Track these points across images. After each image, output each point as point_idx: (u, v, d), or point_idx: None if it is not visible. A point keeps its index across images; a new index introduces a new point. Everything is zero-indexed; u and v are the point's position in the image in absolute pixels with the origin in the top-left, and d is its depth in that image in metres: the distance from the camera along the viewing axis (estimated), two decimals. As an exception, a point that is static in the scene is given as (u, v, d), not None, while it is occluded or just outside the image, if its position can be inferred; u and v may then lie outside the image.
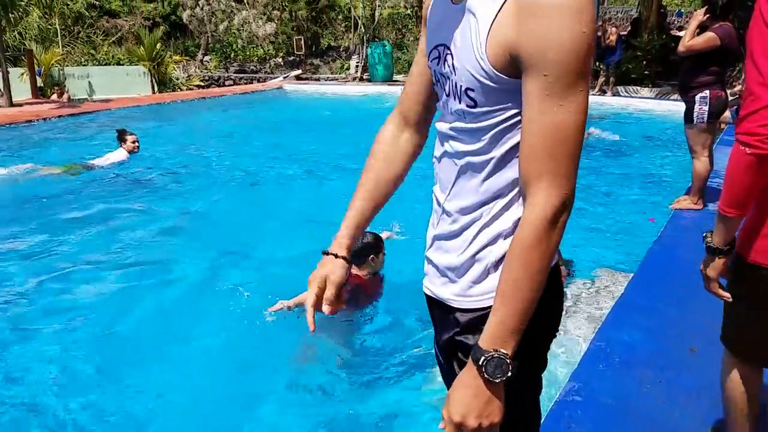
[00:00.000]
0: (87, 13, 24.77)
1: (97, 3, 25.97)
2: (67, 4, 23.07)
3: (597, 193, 6.49)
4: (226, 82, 19.19)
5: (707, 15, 4.87)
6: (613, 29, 13.36)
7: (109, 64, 19.73)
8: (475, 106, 1.08)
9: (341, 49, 24.77)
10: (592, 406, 2.47)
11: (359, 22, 20.49)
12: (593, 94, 13.64)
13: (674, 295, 3.57)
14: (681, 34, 18.20)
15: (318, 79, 19.23)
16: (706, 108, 4.87)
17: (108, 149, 7.76)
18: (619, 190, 6.75)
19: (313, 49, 24.51)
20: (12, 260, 4.64)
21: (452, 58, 1.10)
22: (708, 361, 2.46)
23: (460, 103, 1.10)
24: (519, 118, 1.06)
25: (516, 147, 1.07)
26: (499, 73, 1.03)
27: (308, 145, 9.24)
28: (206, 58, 22.64)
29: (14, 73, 13.77)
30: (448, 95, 1.14)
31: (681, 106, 5.19)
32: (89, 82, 15.67)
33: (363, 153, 1.40)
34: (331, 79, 19.00)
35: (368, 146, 1.40)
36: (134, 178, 7.11)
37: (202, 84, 17.96)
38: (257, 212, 6.00)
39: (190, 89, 16.29)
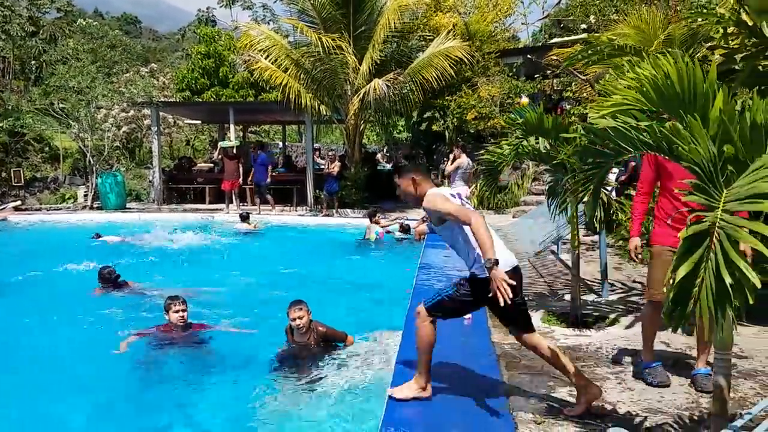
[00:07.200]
0: None
1: None
2: None
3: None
4: None
5: None
6: (336, 163, 16.61)
7: None
8: None
9: (48, 180, 23.83)
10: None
11: (62, 153, 20.47)
12: (320, 215, 16.51)
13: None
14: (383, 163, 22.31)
15: (40, 209, 18.48)
16: None
17: None
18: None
19: (15, 181, 23.06)
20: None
21: None
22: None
23: None
24: None
25: None
26: None
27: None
28: None
29: None
30: None
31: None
32: None
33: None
34: (55, 209, 18.47)
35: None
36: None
37: None
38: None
39: None
